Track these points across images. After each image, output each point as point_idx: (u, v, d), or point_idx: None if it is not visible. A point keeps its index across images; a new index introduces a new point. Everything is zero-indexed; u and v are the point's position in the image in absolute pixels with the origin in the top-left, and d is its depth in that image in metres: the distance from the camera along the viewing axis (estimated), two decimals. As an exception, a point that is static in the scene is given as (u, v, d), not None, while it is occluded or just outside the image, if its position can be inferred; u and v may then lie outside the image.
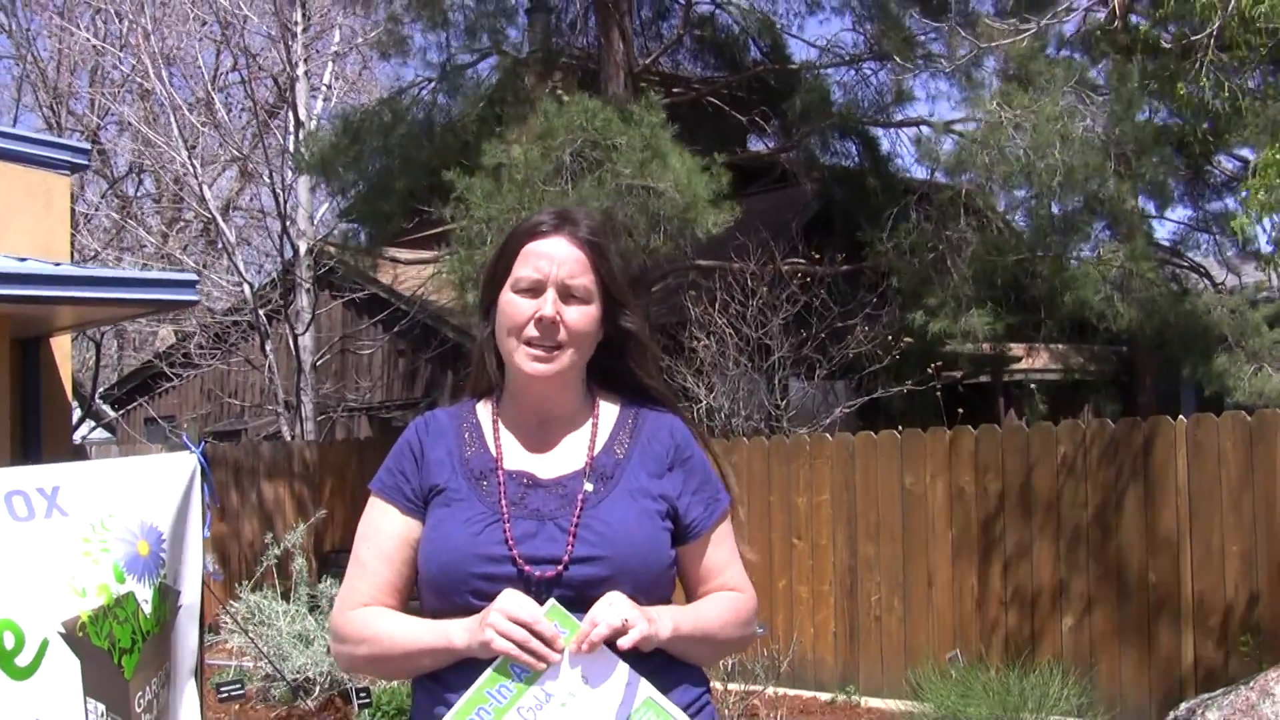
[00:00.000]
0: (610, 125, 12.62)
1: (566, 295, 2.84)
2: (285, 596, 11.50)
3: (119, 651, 3.28)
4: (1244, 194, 9.04)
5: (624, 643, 2.61)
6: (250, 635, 10.53)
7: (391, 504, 2.91)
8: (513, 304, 2.86)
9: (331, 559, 14.43)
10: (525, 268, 2.86)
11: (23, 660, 3.11)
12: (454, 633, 2.70)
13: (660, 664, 2.71)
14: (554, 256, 2.85)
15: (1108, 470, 10.00)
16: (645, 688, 2.66)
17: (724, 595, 2.98)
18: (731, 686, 9.24)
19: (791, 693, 10.97)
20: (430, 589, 2.83)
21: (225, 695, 8.03)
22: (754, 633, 3.11)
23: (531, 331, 2.83)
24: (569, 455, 2.91)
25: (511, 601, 2.64)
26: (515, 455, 2.90)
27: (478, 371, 3.03)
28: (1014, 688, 8.80)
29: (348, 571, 2.94)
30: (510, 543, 2.75)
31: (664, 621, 2.72)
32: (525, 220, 2.99)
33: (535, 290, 2.84)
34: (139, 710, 3.35)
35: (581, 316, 2.86)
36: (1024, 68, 13.44)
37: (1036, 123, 12.78)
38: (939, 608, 10.81)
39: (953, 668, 9.56)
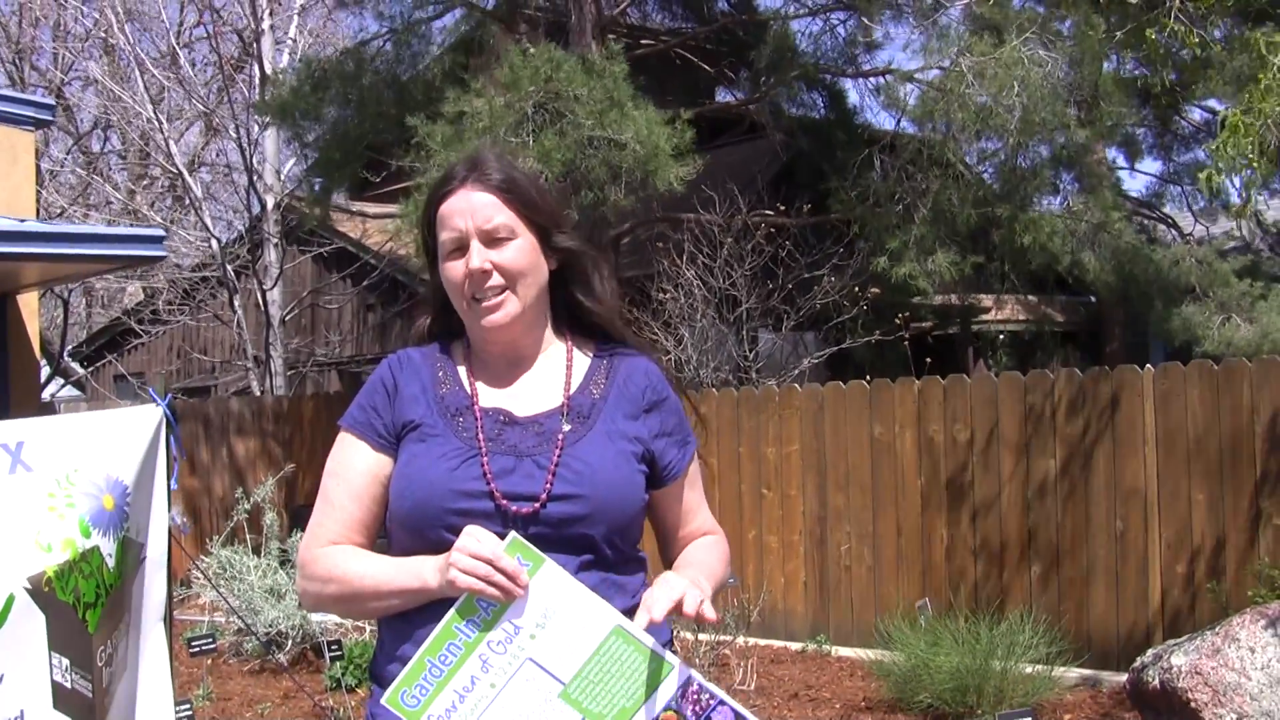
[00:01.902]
0: (574, 77, 12.56)
1: (491, 240, 2.84)
2: (256, 551, 11.50)
3: (83, 606, 3.27)
4: (1214, 146, 9.04)
5: (689, 608, 2.63)
6: (221, 590, 10.53)
7: (363, 440, 2.89)
8: (448, 270, 2.87)
9: (302, 513, 14.41)
10: (445, 231, 2.87)
11: (-12, 615, 3.11)
12: (428, 573, 2.69)
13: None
14: (465, 209, 2.85)
15: (1075, 420, 10.04)
16: (614, 616, 2.66)
17: (711, 542, 3.05)
18: (702, 636, 9.27)
19: (762, 642, 11.01)
20: (403, 525, 2.81)
21: (197, 650, 8.06)
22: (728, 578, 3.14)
23: (471, 289, 2.83)
24: (544, 394, 2.91)
25: (473, 538, 2.63)
26: (490, 394, 2.90)
27: (438, 317, 3.04)
28: (983, 636, 8.83)
29: (316, 508, 2.91)
30: (489, 477, 2.74)
31: (704, 585, 2.78)
32: (435, 184, 2.99)
33: (461, 248, 2.85)
34: (100, 664, 3.35)
35: (513, 252, 2.85)
36: (989, 16, 13.41)
37: (997, 69, 12.75)
38: (908, 557, 10.86)
39: (922, 617, 9.60)
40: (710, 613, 2.64)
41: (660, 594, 2.65)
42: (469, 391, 2.89)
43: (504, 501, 2.72)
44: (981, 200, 14.69)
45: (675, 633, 2.94)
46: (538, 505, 2.73)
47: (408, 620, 2.75)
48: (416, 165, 12.91)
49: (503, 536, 2.65)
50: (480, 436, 2.80)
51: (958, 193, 14.37)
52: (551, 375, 2.94)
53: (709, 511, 3.09)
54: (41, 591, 3.19)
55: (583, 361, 2.99)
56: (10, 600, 3.14)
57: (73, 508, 3.33)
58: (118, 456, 3.52)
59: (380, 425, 2.88)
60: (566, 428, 2.84)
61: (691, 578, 2.75)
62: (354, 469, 2.88)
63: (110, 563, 3.37)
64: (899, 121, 15.61)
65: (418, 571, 2.71)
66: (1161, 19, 10.03)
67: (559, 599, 2.64)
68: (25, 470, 3.34)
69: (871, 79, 16.78)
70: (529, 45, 13.50)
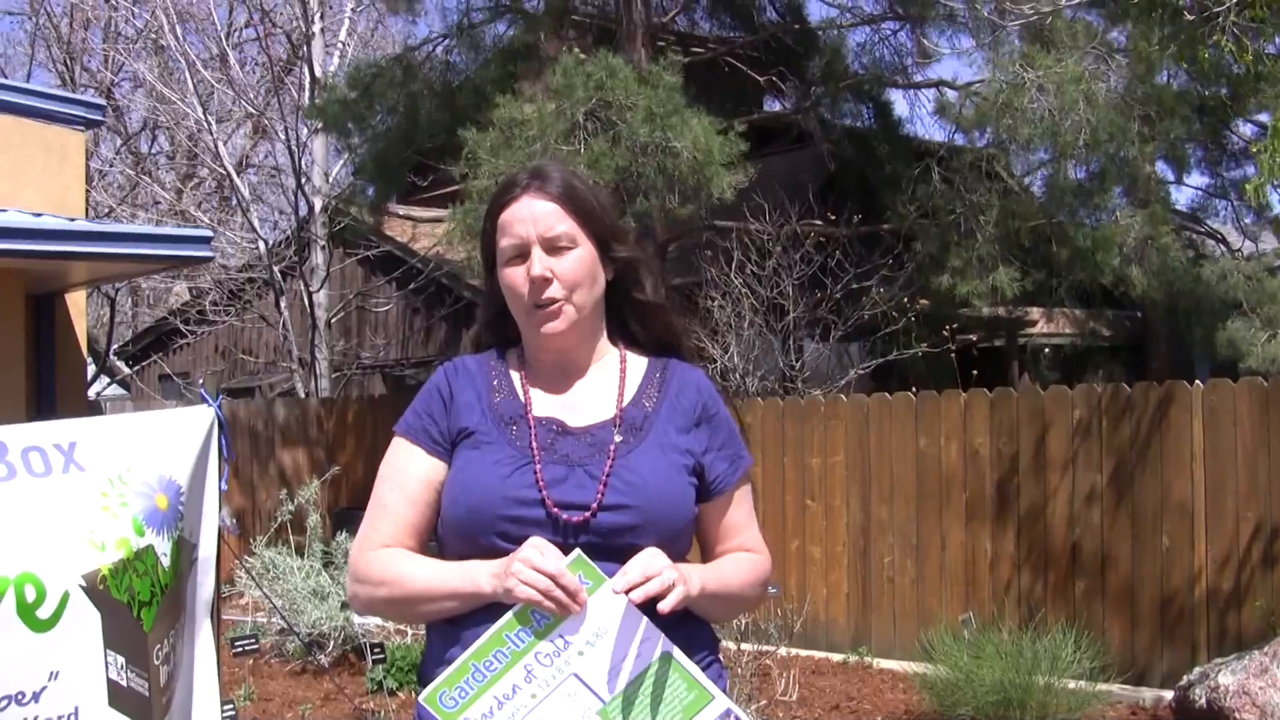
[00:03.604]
0: (628, 85, 12.56)
1: (552, 248, 2.86)
2: (300, 552, 11.53)
3: (138, 604, 3.28)
4: (1260, 154, 8.99)
5: (664, 606, 2.63)
6: (265, 590, 10.57)
7: (417, 445, 2.91)
8: (509, 276, 2.89)
9: (345, 515, 14.46)
10: (506, 238, 2.89)
11: (44, 613, 3.11)
12: (481, 577, 2.71)
13: (671, 621, 2.70)
14: (528, 217, 2.87)
15: (1122, 434, 9.99)
16: (664, 643, 2.68)
17: (743, 556, 3.02)
18: (745, 646, 9.25)
19: (804, 653, 10.99)
20: (455, 531, 2.83)
21: (240, 649, 8.07)
22: (768, 593, 3.14)
23: (531, 297, 2.85)
24: (597, 405, 2.92)
25: (537, 551, 2.64)
26: (544, 403, 2.91)
27: (492, 324, 3.05)
28: (1026, 650, 8.79)
29: (368, 512, 2.93)
30: (541, 485, 2.76)
31: (694, 581, 2.74)
32: (497, 191, 3.00)
33: (522, 255, 2.87)
34: (157, 663, 3.36)
35: (573, 262, 2.87)
36: (1045, 28, 13.34)
37: (1060, 83, 12.69)
38: (952, 570, 10.82)
39: (965, 630, 9.56)
40: (664, 607, 2.63)
41: (650, 564, 2.67)
42: (523, 400, 2.91)
43: (556, 509, 2.74)
44: (1037, 214, 14.62)
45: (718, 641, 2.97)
46: (589, 514, 2.74)
47: (456, 624, 2.76)
48: (466, 173, 12.92)
49: (557, 545, 2.68)
50: (534, 445, 2.82)
51: (1018, 207, 14.32)
52: (605, 386, 2.96)
53: (758, 534, 3.08)
54: (96, 589, 3.20)
55: (636, 373, 3.01)
56: (65, 598, 3.15)
57: (126, 506, 3.34)
58: (171, 457, 3.53)
59: (436, 432, 2.91)
60: (618, 439, 2.85)
61: (686, 569, 2.76)
62: (409, 474, 2.90)
63: (165, 562, 3.38)
64: (952, 134, 15.56)
65: (472, 575, 2.73)
66: (1216, 34, 9.95)
67: (614, 619, 2.65)
68: (78, 470, 3.36)
69: (927, 90, 16.72)
70: (578, 51, 13.50)
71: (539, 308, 2.85)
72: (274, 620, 11.23)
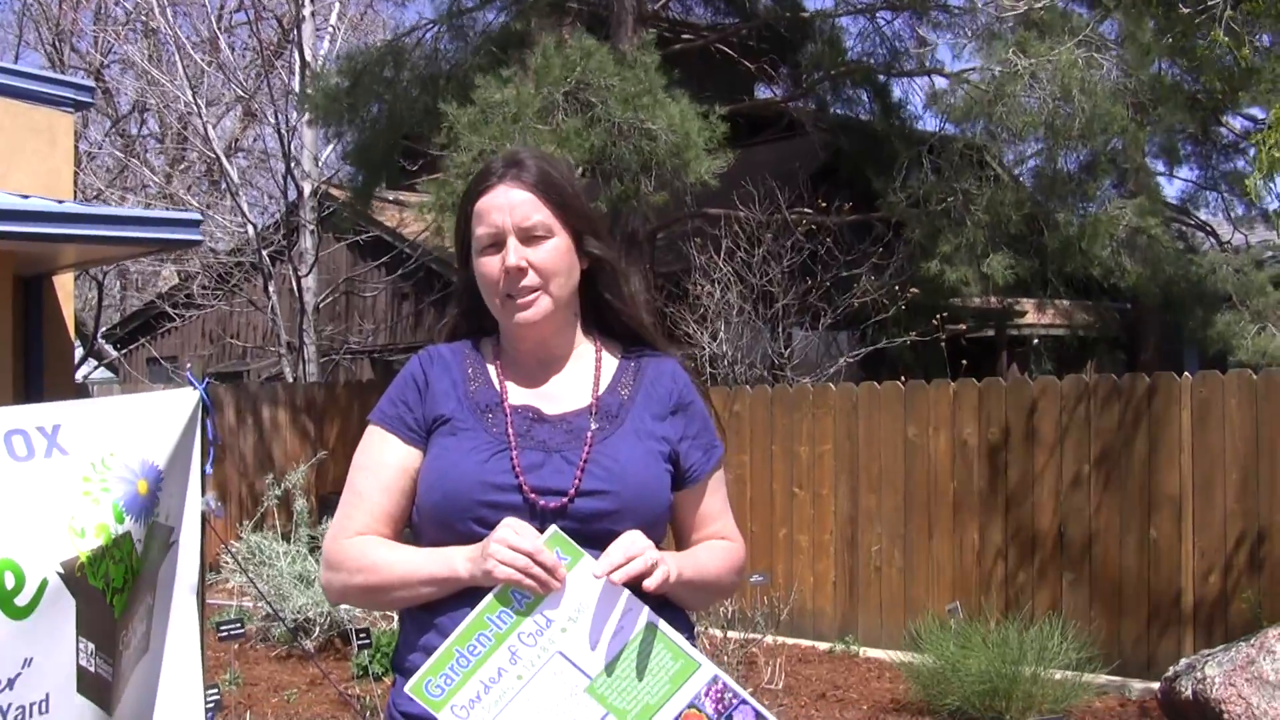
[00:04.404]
0: (605, 66, 12.50)
1: (528, 238, 2.84)
2: (286, 537, 11.51)
3: (112, 591, 3.26)
4: (1254, 150, 8.99)
5: (649, 584, 2.62)
6: (250, 576, 10.54)
7: (393, 433, 2.89)
8: (483, 265, 2.86)
9: (332, 500, 14.40)
10: (481, 226, 2.87)
11: (21, 600, 3.09)
12: (458, 562, 2.70)
13: (649, 606, 2.70)
14: (504, 206, 2.85)
15: (1111, 426, 9.98)
16: (647, 614, 2.67)
17: (719, 544, 3.01)
18: (731, 634, 9.23)
19: (790, 641, 10.98)
20: (431, 517, 2.81)
21: (225, 635, 8.06)
22: (742, 581, 3.13)
23: (506, 286, 2.83)
24: (573, 394, 2.91)
25: (512, 530, 2.63)
26: (519, 392, 2.90)
27: (468, 314, 3.04)
28: (1013, 640, 8.79)
29: (343, 500, 2.93)
30: (518, 471, 2.75)
31: (673, 566, 2.73)
32: (473, 179, 2.98)
33: (497, 245, 2.84)
34: (122, 648, 3.35)
35: (549, 252, 2.85)
36: (1038, 20, 13.32)
37: (1057, 68, 12.65)
38: (939, 560, 10.81)
39: (952, 619, 9.55)
40: (650, 584, 2.63)
41: (633, 545, 2.67)
42: (498, 389, 2.90)
43: (533, 495, 2.73)
44: (1029, 203, 14.59)
45: (704, 630, 2.96)
46: (566, 500, 2.74)
47: (430, 611, 2.75)
48: (446, 151, 12.86)
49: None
50: (510, 431, 2.81)
51: (1010, 195, 14.28)
52: (580, 376, 2.96)
53: (732, 522, 3.07)
54: (74, 577, 3.18)
55: (610, 363, 3.00)
56: (43, 585, 3.13)
57: (107, 493, 3.32)
58: (153, 441, 3.51)
59: (411, 420, 2.89)
60: (594, 426, 2.85)
61: (664, 555, 2.75)
62: (384, 462, 2.89)
63: (140, 548, 3.36)
64: (943, 123, 15.52)
65: (448, 560, 2.72)
66: (1213, 30, 9.94)
67: (594, 594, 2.64)
68: (61, 454, 3.33)
69: (919, 79, 16.68)
70: (567, 38, 13.45)
71: (513, 297, 2.84)
72: (260, 605, 11.21)
